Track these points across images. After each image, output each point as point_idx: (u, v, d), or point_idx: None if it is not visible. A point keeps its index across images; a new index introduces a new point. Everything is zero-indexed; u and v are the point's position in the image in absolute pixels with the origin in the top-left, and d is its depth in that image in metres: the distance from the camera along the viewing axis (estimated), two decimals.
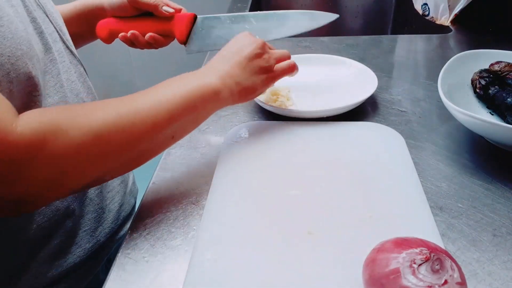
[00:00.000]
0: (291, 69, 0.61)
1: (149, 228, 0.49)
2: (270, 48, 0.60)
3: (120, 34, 0.68)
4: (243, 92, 0.55)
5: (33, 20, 0.51)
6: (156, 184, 0.56)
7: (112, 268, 0.45)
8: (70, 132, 0.39)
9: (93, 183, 0.45)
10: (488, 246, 0.44)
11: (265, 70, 0.57)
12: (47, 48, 0.52)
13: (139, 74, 1.95)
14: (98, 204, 0.61)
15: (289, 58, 0.62)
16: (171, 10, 0.67)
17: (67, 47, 0.59)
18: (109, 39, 0.69)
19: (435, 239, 0.44)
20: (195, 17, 0.68)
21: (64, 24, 0.61)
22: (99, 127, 0.41)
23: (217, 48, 0.65)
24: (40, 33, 0.51)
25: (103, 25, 0.69)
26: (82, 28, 0.71)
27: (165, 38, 0.69)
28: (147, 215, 0.51)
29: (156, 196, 0.54)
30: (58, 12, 0.61)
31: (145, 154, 0.47)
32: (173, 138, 0.49)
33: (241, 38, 0.58)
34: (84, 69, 0.62)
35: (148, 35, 0.67)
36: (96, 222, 0.60)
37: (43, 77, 0.50)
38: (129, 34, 0.67)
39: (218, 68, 0.54)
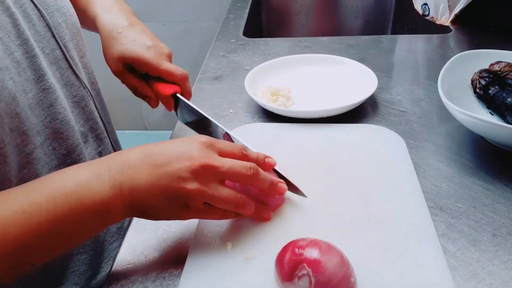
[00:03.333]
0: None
1: (149, 229, 0.49)
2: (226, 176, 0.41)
3: None
4: (142, 213, 0.41)
5: (25, 42, 0.46)
6: None
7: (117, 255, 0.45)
8: None
9: None
10: (488, 246, 0.44)
11: (188, 206, 0.40)
12: (39, 76, 0.47)
13: None
14: (89, 246, 0.57)
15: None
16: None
17: (70, 66, 0.54)
18: None
19: (433, 241, 0.44)
20: (174, 95, 0.57)
21: (75, 35, 0.56)
22: None
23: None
24: (32, 57, 0.47)
25: None
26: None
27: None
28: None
29: None
30: (73, 19, 0.56)
31: None
32: (32, 266, 0.37)
33: (184, 146, 0.41)
34: (88, 91, 0.58)
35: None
36: (89, 264, 0.56)
37: (29, 113, 0.46)
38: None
39: (122, 170, 0.39)
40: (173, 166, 0.39)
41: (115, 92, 2.14)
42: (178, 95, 0.57)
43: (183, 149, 0.40)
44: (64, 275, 0.54)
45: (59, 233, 0.37)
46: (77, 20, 0.58)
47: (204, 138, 0.42)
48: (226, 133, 0.52)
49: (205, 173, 0.39)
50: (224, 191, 0.41)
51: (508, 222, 0.47)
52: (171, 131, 0.67)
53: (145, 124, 2.13)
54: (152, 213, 0.41)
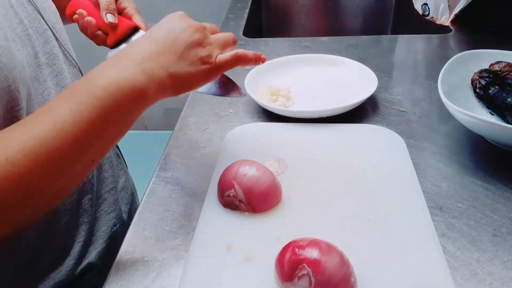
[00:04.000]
0: (236, 61, 0.48)
1: (149, 229, 0.49)
2: (213, 33, 0.49)
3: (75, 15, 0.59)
4: (176, 85, 0.44)
5: (21, 22, 0.48)
6: (156, 184, 0.56)
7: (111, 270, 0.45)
8: None
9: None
10: (488, 246, 0.44)
11: (205, 61, 0.46)
12: (34, 52, 0.50)
13: None
14: (91, 215, 0.59)
15: (234, 44, 0.50)
16: (112, 21, 0.55)
17: (61, 46, 0.57)
18: (70, 17, 0.61)
19: (433, 241, 0.44)
20: (134, 29, 0.58)
21: (60, 20, 0.59)
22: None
23: None
24: (28, 36, 0.49)
25: (74, 4, 0.60)
26: None
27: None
28: (148, 214, 0.51)
29: (155, 196, 0.54)
30: (53, 6, 0.59)
31: (59, 192, 0.40)
32: (93, 162, 0.41)
33: (175, 19, 0.47)
34: (79, 69, 0.60)
35: (80, 21, 0.57)
36: (89, 233, 0.59)
37: (30, 85, 0.48)
38: (76, 13, 0.58)
39: (143, 54, 0.43)
40: (185, 36, 0.45)
41: None
42: (141, 30, 0.58)
43: (180, 25, 0.46)
44: (72, 245, 0.56)
45: (110, 123, 0.40)
46: (57, 10, 0.60)
47: (180, 12, 0.49)
48: None
49: (204, 30, 0.47)
50: (220, 34, 0.49)
51: (508, 222, 0.47)
52: (171, 131, 0.67)
53: (145, 124, 2.13)
54: (187, 84, 0.45)
